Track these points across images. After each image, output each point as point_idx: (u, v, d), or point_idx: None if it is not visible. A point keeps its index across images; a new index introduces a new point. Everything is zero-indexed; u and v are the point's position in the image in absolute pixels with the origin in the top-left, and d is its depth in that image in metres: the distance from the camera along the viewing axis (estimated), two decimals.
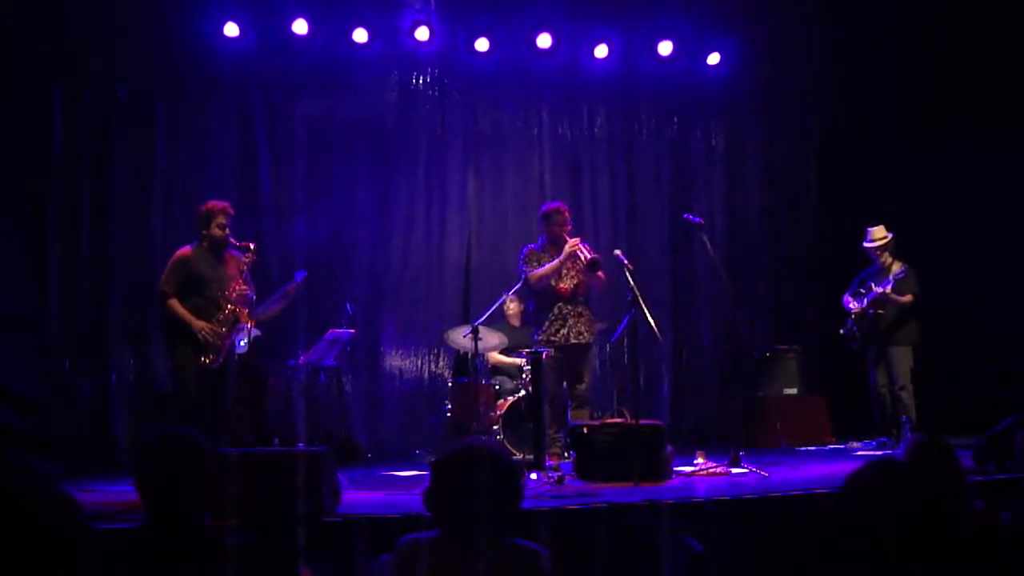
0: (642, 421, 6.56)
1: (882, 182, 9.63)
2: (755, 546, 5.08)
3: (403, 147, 9.56)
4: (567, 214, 7.46)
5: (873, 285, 8.41)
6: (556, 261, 7.21)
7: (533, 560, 2.71)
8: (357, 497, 5.85)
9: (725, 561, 4.53)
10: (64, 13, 8.31)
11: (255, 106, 9.16)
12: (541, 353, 7.18)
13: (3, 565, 1.89)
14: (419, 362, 9.46)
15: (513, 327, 8.86)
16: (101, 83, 8.67)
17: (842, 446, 8.88)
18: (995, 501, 3.68)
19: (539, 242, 7.48)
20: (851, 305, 8.61)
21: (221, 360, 6.52)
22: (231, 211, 6.78)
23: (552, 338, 7.23)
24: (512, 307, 8.91)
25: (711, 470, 6.78)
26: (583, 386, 7.33)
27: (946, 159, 9.12)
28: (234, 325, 6.58)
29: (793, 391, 9.60)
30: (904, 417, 8.23)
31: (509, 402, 8.05)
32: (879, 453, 8.11)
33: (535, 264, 7.32)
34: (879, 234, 8.58)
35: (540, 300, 7.41)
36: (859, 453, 8.38)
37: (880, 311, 8.41)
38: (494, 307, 8.43)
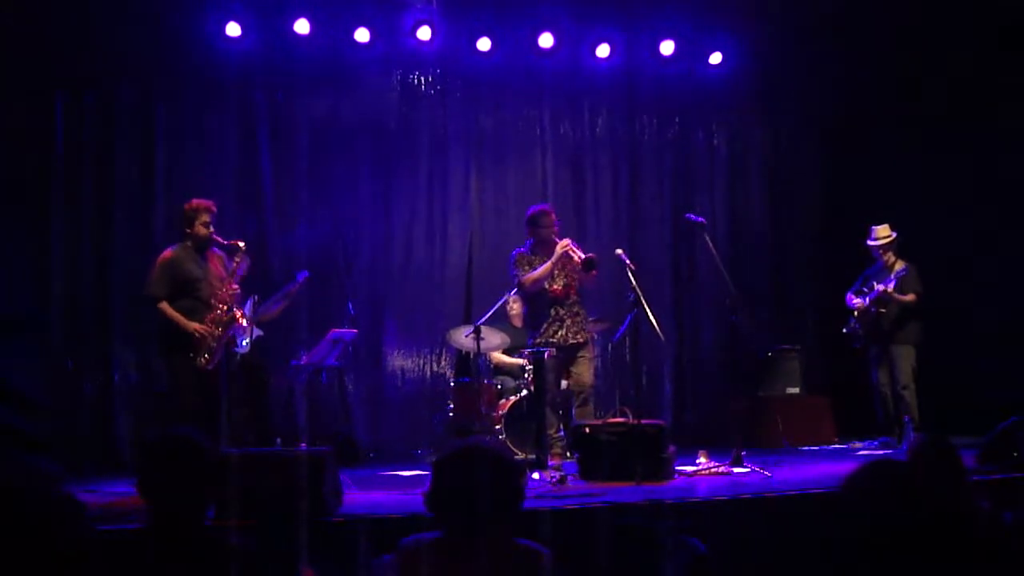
0: (644, 421, 6.56)
1: (884, 182, 9.62)
2: (757, 546, 5.08)
3: (405, 147, 9.55)
4: (554, 216, 7.47)
5: (876, 284, 8.41)
6: (549, 263, 7.20)
7: (535, 560, 2.71)
8: (359, 497, 5.85)
9: (727, 561, 4.53)
10: (65, 14, 8.31)
11: (257, 106, 9.16)
12: (543, 353, 7.18)
13: (6, 566, 1.89)
14: (421, 362, 9.46)
15: (515, 327, 8.86)
16: (103, 84, 8.67)
17: (844, 446, 8.87)
18: (998, 501, 3.68)
19: (527, 245, 7.47)
20: (854, 303, 8.61)
21: (217, 361, 6.43)
22: (214, 209, 6.67)
23: (550, 340, 7.23)
24: (514, 307, 8.91)
25: (713, 470, 6.78)
26: (585, 384, 7.32)
27: (948, 159, 9.11)
28: (229, 325, 6.50)
29: (795, 391, 9.59)
30: (907, 417, 8.22)
31: (511, 402, 8.05)
32: (881, 453, 8.10)
33: (526, 267, 7.32)
34: (883, 232, 8.57)
35: (535, 303, 7.41)
36: (861, 453, 8.38)
37: (883, 310, 8.41)
38: (496, 307, 8.43)
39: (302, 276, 8.11)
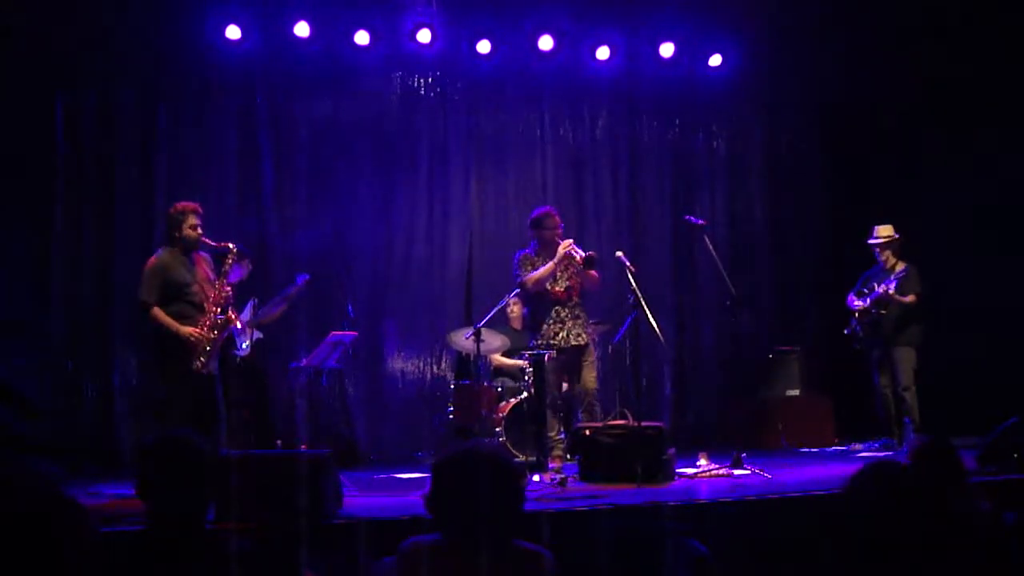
0: (644, 423, 6.56)
1: (885, 183, 9.62)
2: (758, 548, 5.07)
3: (405, 149, 9.56)
4: (557, 218, 7.46)
5: (876, 285, 8.40)
6: (551, 263, 7.20)
7: (536, 562, 2.71)
8: (359, 500, 5.86)
9: (728, 563, 4.52)
10: (67, 17, 8.33)
11: (257, 109, 9.17)
12: (543, 355, 7.17)
13: (7, 569, 1.89)
14: (421, 364, 9.45)
15: (515, 329, 8.86)
16: (104, 87, 8.68)
17: (845, 447, 8.87)
18: (999, 502, 3.67)
19: (531, 247, 7.47)
20: (855, 305, 8.61)
21: (213, 364, 6.39)
22: (201, 210, 6.57)
23: (552, 341, 7.22)
24: (515, 309, 8.91)
25: (713, 472, 6.79)
26: (589, 387, 7.30)
27: (950, 160, 9.12)
28: (223, 327, 6.44)
29: (795, 392, 9.59)
30: (907, 418, 8.22)
31: (511, 404, 8.05)
32: (882, 454, 8.10)
33: (529, 268, 7.32)
34: (884, 232, 8.57)
35: (536, 304, 7.40)
36: (862, 454, 8.38)
37: (883, 311, 8.40)
38: (496, 309, 8.43)
39: (302, 279, 8.11)
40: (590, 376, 7.32)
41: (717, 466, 6.89)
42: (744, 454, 7.01)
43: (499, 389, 8.34)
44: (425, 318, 9.46)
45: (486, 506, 2.63)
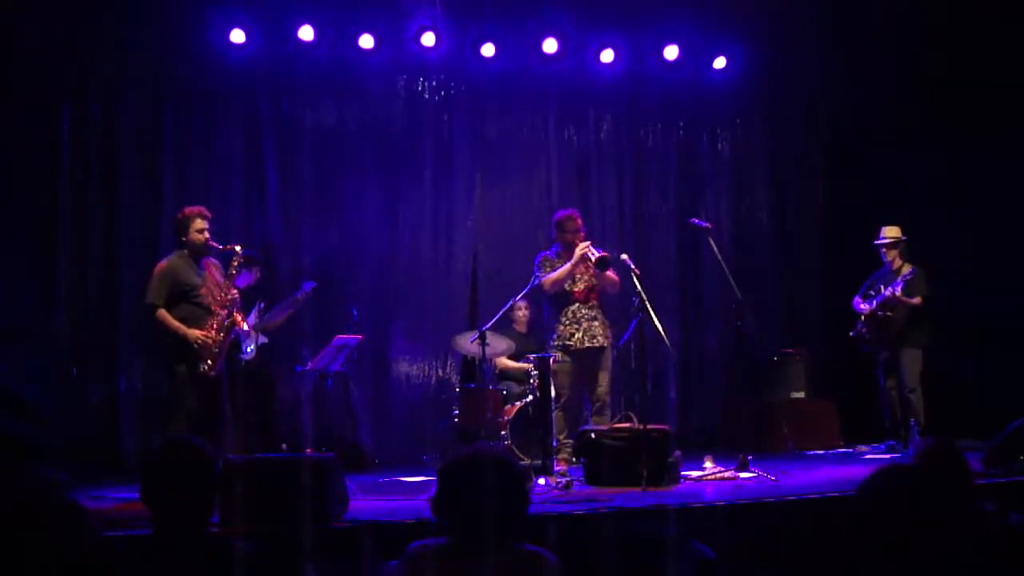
0: (649, 426, 6.55)
1: (890, 186, 9.61)
2: (764, 551, 5.07)
3: (410, 153, 9.55)
4: (579, 221, 7.46)
5: (883, 287, 8.40)
6: (568, 265, 7.20)
7: (541, 566, 2.71)
8: (364, 503, 5.85)
9: (734, 566, 4.52)
10: (72, 22, 8.35)
11: (262, 113, 9.18)
12: (548, 358, 7.17)
13: (12, 573, 1.89)
14: (426, 368, 9.44)
15: (520, 333, 8.85)
16: (108, 92, 8.69)
17: (850, 450, 8.85)
18: (1004, 504, 3.67)
19: (553, 249, 7.48)
20: (861, 307, 8.60)
21: (220, 367, 6.43)
22: (208, 214, 6.65)
23: (567, 342, 7.21)
24: (520, 313, 8.90)
25: (719, 475, 6.77)
26: (601, 391, 7.29)
27: (954, 163, 9.11)
28: (229, 330, 6.49)
29: (801, 395, 9.58)
30: (912, 420, 8.21)
31: (516, 407, 8.04)
32: (887, 456, 8.09)
33: (548, 270, 7.32)
34: (890, 233, 8.56)
35: (554, 304, 7.41)
36: (867, 457, 8.36)
37: (890, 313, 8.40)
38: (501, 312, 8.42)
39: (309, 286, 8.13)
40: (604, 380, 7.30)
41: (723, 469, 6.88)
42: (750, 457, 7.00)
43: (504, 392, 8.32)
44: (430, 321, 9.46)
45: (491, 509, 2.63)
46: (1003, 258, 8.79)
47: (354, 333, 8.47)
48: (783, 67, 10.14)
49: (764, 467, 6.89)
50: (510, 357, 8.62)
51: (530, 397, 7.99)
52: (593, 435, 6.67)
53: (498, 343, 8.14)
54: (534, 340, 8.90)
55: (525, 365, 8.39)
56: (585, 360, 7.24)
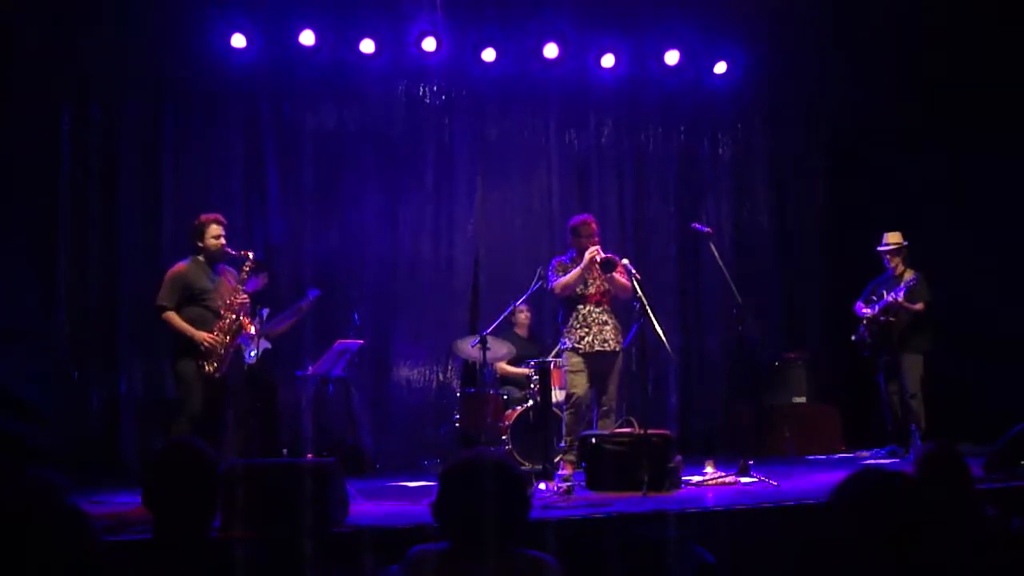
0: (650, 430, 6.54)
1: (890, 190, 9.61)
2: (765, 556, 5.06)
3: (410, 157, 9.56)
4: (594, 226, 7.42)
5: (885, 293, 8.41)
6: (578, 269, 7.19)
7: (542, 570, 2.70)
8: (365, 508, 5.84)
9: (735, 571, 4.52)
10: (72, 26, 8.36)
11: (263, 117, 9.19)
12: (549, 363, 7.16)
13: None
14: (427, 372, 9.44)
15: (521, 337, 8.86)
16: (109, 96, 8.70)
17: (851, 455, 8.84)
18: (1006, 508, 3.66)
19: (568, 254, 7.47)
20: (863, 312, 8.61)
21: (225, 369, 6.49)
22: (224, 221, 6.73)
23: (576, 345, 7.19)
24: (520, 317, 8.91)
25: (720, 479, 6.76)
26: (609, 396, 7.28)
27: (955, 166, 9.10)
28: (236, 333, 6.56)
29: (802, 399, 9.58)
30: (913, 425, 8.21)
31: (517, 412, 8.04)
32: (889, 461, 8.08)
33: (560, 274, 7.32)
34: (893, 239, 8.58)
35: (565, 307, 7.40)
36: (868, 461, 8.35)
37: (892, 319, 8.40)
38: (502, 317, 8.43)
39: (313, 294, 8.14)
40: (612, 385, 7.28)
41: (724, 474, 6.87)
42: (751, 461, 6.99)
43: (505, 397, 8.33)
44: (431, 326, 9.46)
45: (492, 514, 2.63)
46: (1003, 259, 8.78)
47: (355, 337, 8.47)
48: (783, 68, 10.15)
49: (765, 472, 6.88)
50: (510, 361, 8.63)
51: (531, 402, 7.99)
52: (594, 440, 6.66)
53: (499, 347, 8.14)
54: (535, 344, 8.91)
55: (526, 370, 8.40)
56: (595, 363, 7.22)
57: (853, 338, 8.74)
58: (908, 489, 2.25)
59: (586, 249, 7.26)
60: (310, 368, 8.36)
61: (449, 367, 9.47)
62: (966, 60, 8.85)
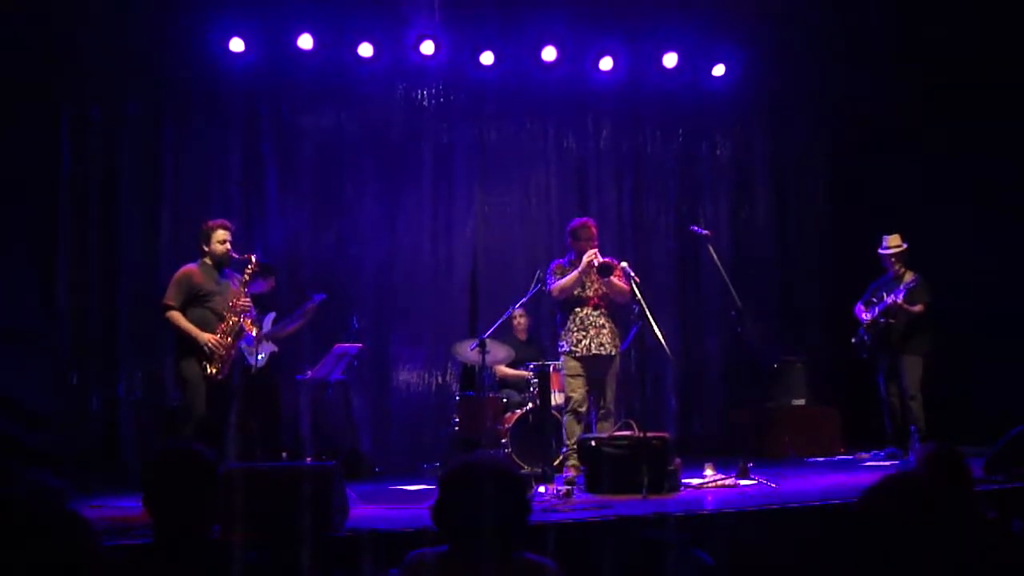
0: (650, 433, 6.54)
1: (890, 191, 9.61)
2: (764, 558, 5.06)
3: (409, 160, 9.56)
4: (594, 229, 7.42)
5: (885, 295, 8.41)
6: (575, 272, 7.19)
7: (542, 574, 2.70)
8: (365, 511, 5.84)
9: (735, 573, 4.51)
10: (71, 30, 8.36)
11: (261, 121, 9.19)
12: (548, 366, 7.15)
13: None
14: (426, 376, 9.44)
15: (520, 340, 8.85)
16: (108, 99, 8.70)
17: (851, 457, 8.83)
18: (1006, 510, 3.66)
19: (567, 257, 7.47)
20: (863, 315, 8.61)
21: (227, 371, 6.52)
22: (230, 226, 6.82)
23: (574, 348, 7.19)
24: (519, 320, 8.90)
25: (720, 482, 6.77)
26: (607, 399, 7.27)
27: (955, 168, 9.10)
28: (239, 336, 6.62)
29: (801, 402, 9.57)
30: (913, 427, 8.20)
31: (516, 415, 8.03)
32: (888, 463, 8.08)
33: (559, 277, 7.32)
34: (894, 242, 8.58)
35: (563, 310, 7.40)
36: (868, 464, 8.35)
37: (892, 321, 8.41)
38: (501, 320, 8.42)
39: (319, 298, 8.14)
40: (610, 389, 7.27)
41: (723, 476, 6.87)
42: (750, 464, 6.99)
43: (504, 401, 8.32)
44: (430, 329, 9.45)
45: (492, 517, 2.63)
46: (1003, 259, 8.78)
47: (354, 341, 8.46)
48: (782, 73, 10.15)
49: (765, 474, 6.88)
50: (509, 365, 8.62)
51: (530, 405, 7.99)
52: (593, 443, 6.66)
53: (498, 351, 8.13)
54: (533, 347, 8.90)
55: (524, 373, 8.38)
56: (592, 367, 7.21)
57: (853, 340, 8.74)
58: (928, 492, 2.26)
59: (583, 251, 7.26)
60: (309, 372, 8.35)
61: (448, 370, 9.46)
62: (966, 59, 8.85)
